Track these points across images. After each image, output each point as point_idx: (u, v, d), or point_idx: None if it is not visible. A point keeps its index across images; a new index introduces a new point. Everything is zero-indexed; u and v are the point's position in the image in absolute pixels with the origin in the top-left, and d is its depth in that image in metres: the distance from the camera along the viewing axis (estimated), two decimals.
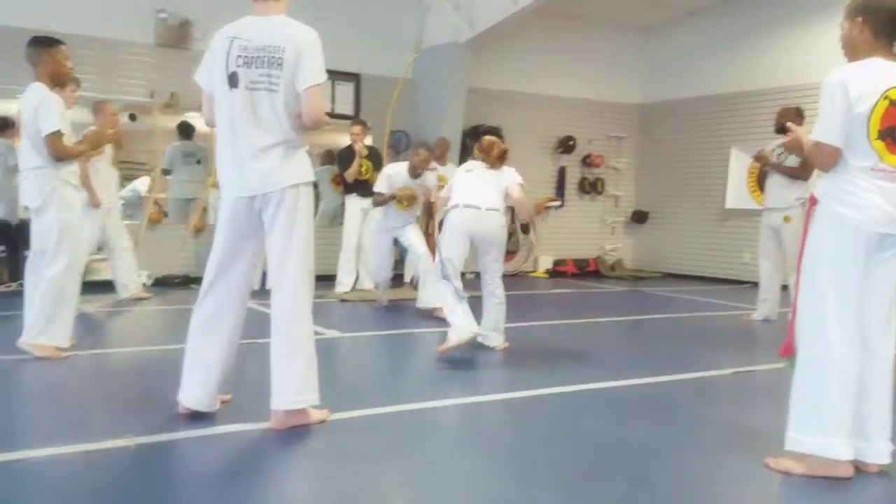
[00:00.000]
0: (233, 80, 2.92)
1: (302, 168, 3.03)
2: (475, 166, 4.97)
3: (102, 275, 6.94)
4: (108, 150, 6.30)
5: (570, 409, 3.60)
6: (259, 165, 2.94)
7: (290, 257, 2.99)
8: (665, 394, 3.94)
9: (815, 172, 5.85)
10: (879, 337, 2.61)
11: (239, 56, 2.91)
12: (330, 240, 7.72)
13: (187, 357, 3.14)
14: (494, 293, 4.81)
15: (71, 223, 4.24)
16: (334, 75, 8.93)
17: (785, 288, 6.35)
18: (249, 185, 2.97)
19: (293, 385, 2.99)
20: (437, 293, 4.96)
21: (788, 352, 2.60)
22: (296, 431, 2.99)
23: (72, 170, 4.33)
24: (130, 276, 6.75)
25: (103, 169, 6.36)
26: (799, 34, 8.74)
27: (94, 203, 6.17)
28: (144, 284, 7.27)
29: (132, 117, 7.74)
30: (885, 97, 2.48)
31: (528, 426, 3.34)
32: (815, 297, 2.58)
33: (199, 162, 8.01)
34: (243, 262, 3.09)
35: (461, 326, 4.38)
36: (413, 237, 6.41)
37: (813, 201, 2.63)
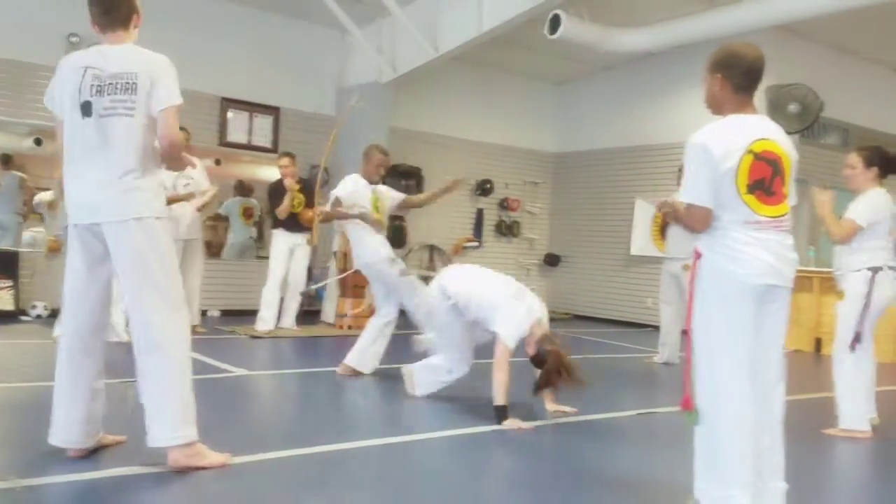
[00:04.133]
0: (86, 109, 2.90)
1: (148, 202, 2.94)
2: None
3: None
4: None
5: (472, 448, 3.65)
6: (104, 194, 2.90)
7: (145, 288, 2.91)
8: (569, 433, 4.02)
9: None
10: (773, 386, 2.62)
11: (92, 85, 2.89)
12: (243, 274, 7.57)
13: (54, 393, 3.03)
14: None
15: None
16: (253, 107, 8.92)
17: (685, 332, 6.59)
18: (92, 214, 2.92)
19: (168, 419, 2.90)
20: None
21: (688, 405, 2.57)
22: (192, 475, 2.89)
23: None
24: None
25: None
26: (700, 92, 9.16)
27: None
28: (40, 316, 6.90)
29: (37, 142, 7.45)
30: (749, 152, 2.51)
31: (425, 469, 3.33)
32: (707, 352, 2.58)
33: None
34: (95, 291, 3.03)
35: None
36: None
37: (697, 255, 2.61)
